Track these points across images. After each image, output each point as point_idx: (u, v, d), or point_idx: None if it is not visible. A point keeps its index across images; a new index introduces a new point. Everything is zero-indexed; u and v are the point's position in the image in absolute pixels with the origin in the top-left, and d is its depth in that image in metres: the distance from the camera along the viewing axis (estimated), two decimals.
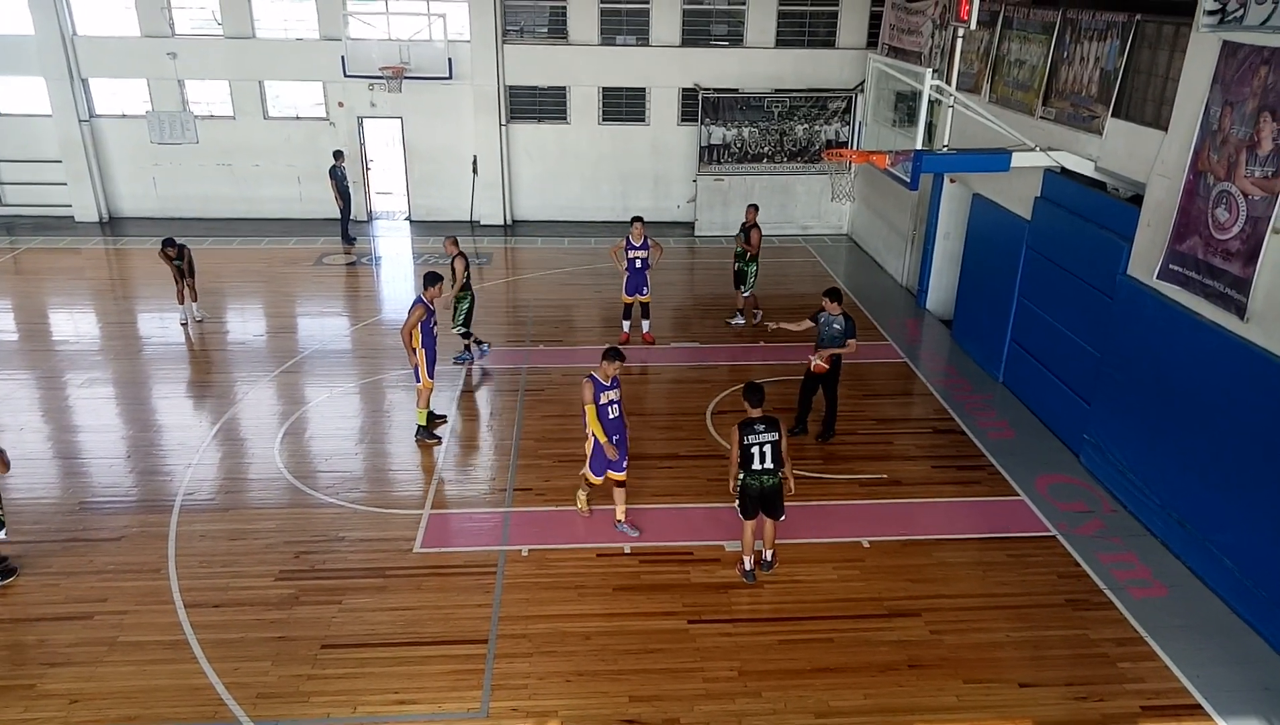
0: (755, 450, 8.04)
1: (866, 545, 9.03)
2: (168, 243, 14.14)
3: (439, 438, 10.96)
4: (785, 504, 8.42)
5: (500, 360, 13.35)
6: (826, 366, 10.57)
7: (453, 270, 12.48)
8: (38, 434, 11.12)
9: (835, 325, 10.49)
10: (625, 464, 8.92)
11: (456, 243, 12.83)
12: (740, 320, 14.77)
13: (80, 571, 8.47)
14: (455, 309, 12.68)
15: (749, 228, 14.18)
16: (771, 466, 8.11)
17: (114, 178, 20.31)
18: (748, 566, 8.56)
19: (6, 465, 7.89)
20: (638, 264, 13.46)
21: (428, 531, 9.19)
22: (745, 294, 14.51)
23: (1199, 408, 8.51)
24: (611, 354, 8.65)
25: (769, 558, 8.62)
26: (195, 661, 7.36)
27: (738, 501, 8.35)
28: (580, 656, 7.51)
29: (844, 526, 9.30)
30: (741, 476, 8.17)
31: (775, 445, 8.08)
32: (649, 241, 13.46)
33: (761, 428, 8.05)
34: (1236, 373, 8.00)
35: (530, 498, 9.82)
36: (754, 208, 14.49)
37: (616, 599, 8.21)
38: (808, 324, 10.83)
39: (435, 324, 10.70)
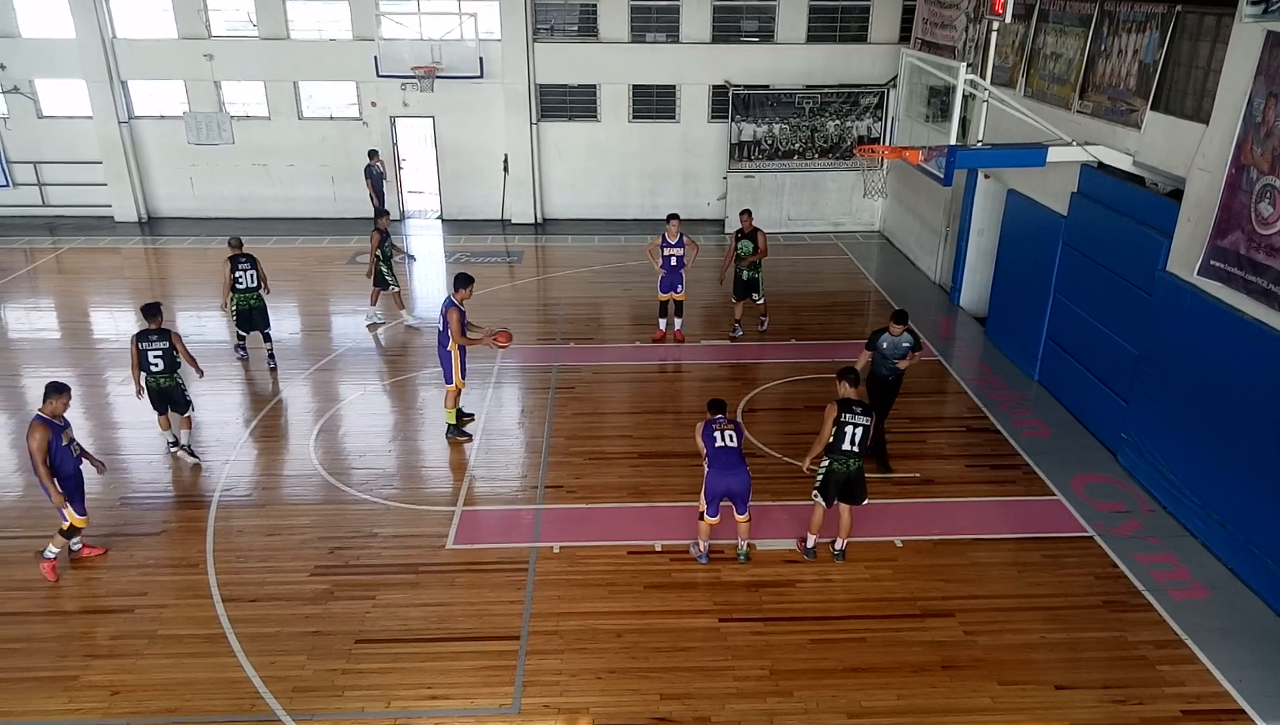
0: (849, 430, 8.13)
1: (899, 545, 8.96)
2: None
3: (469, 435, 11.03)
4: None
5: (531, 358, 13.41)
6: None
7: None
8: (79, 431, 11.23)
9: (904, 344, 9.81)
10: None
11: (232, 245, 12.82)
12: (741, 332, 14.09)
13: (121, 565, 8.64)
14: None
15: (750, 233, 13.51)
16: (857, 450, 8.21)
17: (152, 178, 20.64)
18: (810, 543, 8.68)
19: None
20: (673, 261, 13.41)
21: (460, 528, 9.26)
22: (759, 300, 13.90)
23: (1240, 406, 8.34)
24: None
25: (842, 547, 8.67)
26: (233, 655, 7.48)
27: (819, 488, 8.44)
28: (611, 654, 7.53)
29: (877, 526, 9.22)
30: (827, 461, 8.27)
31: (867, 430, 8.17)
32: (685, 239, 13.41)
33: (859, 409, 8.16)
34: (1279, 369, 7.85)
35: (561, 495, 9.85)
36: (748, 213, 13.83)
37: (648, 597, 8.22)
38: (866, 356, 9.92)
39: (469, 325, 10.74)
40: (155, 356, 10.07)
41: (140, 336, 10.12)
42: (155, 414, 10.53)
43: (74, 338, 14.37)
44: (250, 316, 12.69)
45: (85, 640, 7.67)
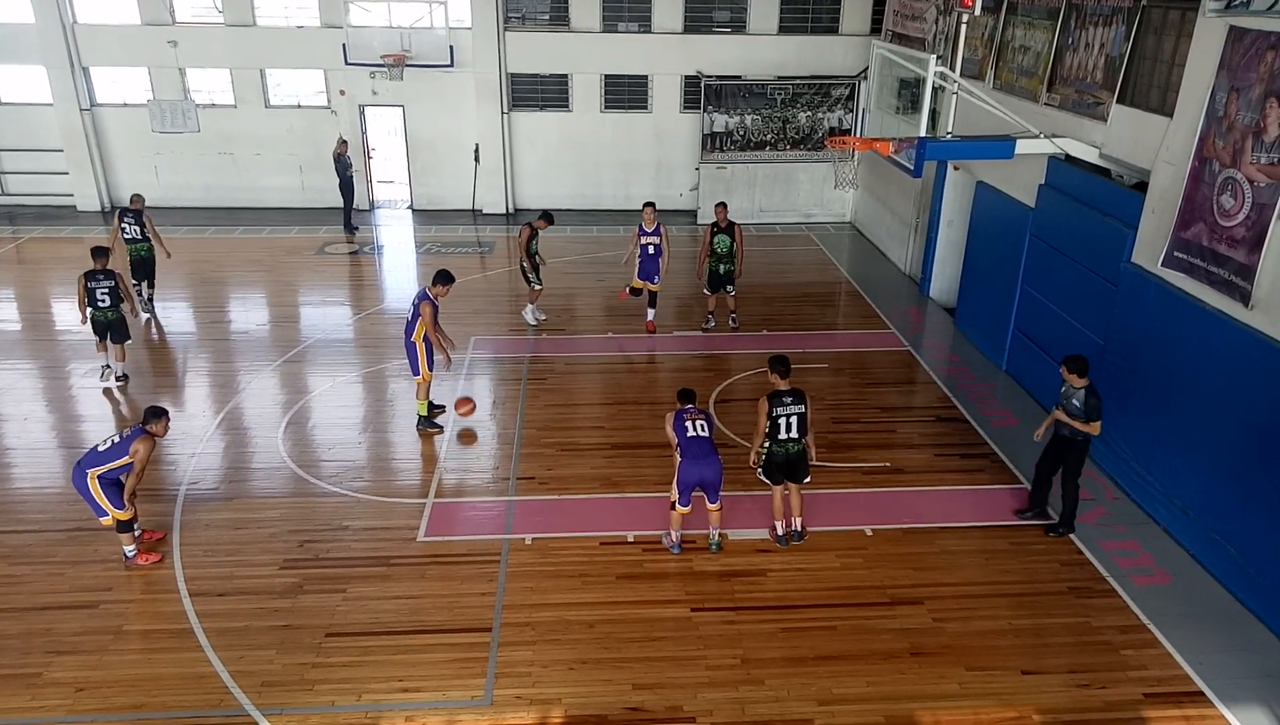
0: (783, 421, 8.32)
1: (869, 533, 9.03)
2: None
3: (440, 427, 10.97)
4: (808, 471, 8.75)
5: (503, 349, 13.35)
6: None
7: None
8: (41, 424, 11.14)
9: (1075, 401, 8.54)
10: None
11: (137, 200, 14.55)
12: (714, 323, 14.08)
13: (85, 560, 8.50)
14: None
15: (726, 227, 13.36)
16: (796, 436, 8.40)
17: (115, 167, 20.28)
18: (780, 532, 8.81)
19: None
20: (650, 250, 13.35)
21: (431, 520, 9.21)
22: (733, 293, 13.84)
23: (1202, 395, 8.49)
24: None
25: (799, 527, 8.83)
26: (200, 650, 7.39)
27: (762, 469, 8.69)
28: (584, 644, 7.53)
29: (847, 515, 9.30)
30: (768, 445, 8.46)
31: (801, 417, 8.37)
32: (661, 228, 13.36)
33: (790, 400, 8.32)
34: (1240, 360, 7.98)
35: (533, 486, 9.83)
36: (724, 206, 13.76)
37: (620, 587, 8.23)
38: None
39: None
40: (103, 293, 11.58)
41: (89, 276, 11.55)
42: (102, 354, 12.01)
43: (35, 329, 14.10)
44: (140, 266, 14.14)
45: (48, 636, 7.54)
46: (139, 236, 14.07)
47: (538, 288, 13.97)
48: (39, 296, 15.48)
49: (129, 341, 12.01)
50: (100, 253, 11.75)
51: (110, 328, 11.78)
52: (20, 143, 19.86)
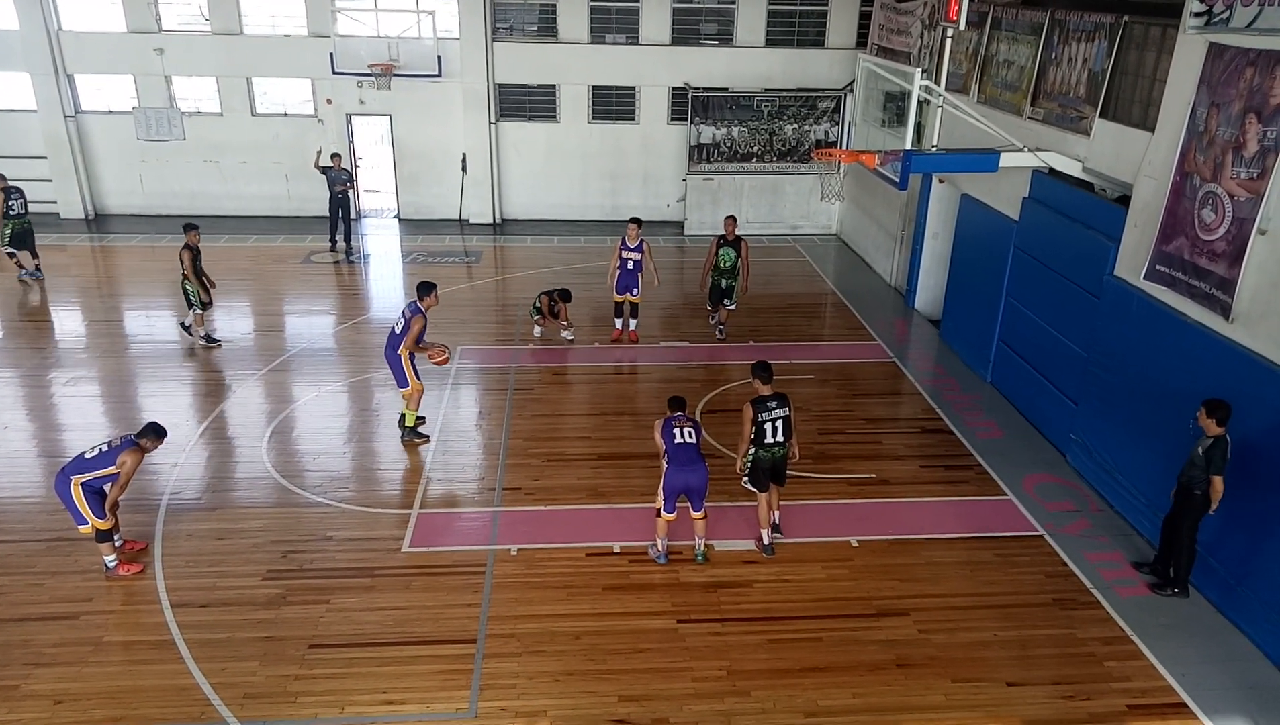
0: (768, 426, 8.39)
1: (855, 545, 9.04)
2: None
3: (426, 437, 10.92)
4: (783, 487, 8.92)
5: (489, 359, 13.32)
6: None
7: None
8: (22, 433, 11.03)
9: (1200, 448, 7.78)
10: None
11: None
12: (724, 331, 14.13)
13: (65, 571, 8.40)
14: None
15: (733, 241, 13.40)
16: (782, 439, 8.49)
17: (100, 174, 20.16)
18: (766, 540, 8.83)
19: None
20: (629, 265, 13.41)
21: (416, 531, 9.16)
22: (731, 307, 13.89)
23: (1184, 408, 8.52)
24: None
25: (775, 520, 8.95)
26: (182, 662, 7.32)
27: (748, 477, 8.73)
28: (569, 656, 7.50)
29: (833, 526, 9.31)
30: (754, 451, 8.51)
31: (786, 420, 8.46)
32: (644, 245, 13.41)
33: (774, 404, 8.41)
34: (1221, 373, 8.05)
35: (519, 497, 9.80)
36: (733, 219, 13.75)
37: (605, 598, 8.20)
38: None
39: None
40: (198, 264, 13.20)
41: (187, 247, 13.08)
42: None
43: (17, 337, 13.96)
44: (23, 237, 15.93)
45: (27, 648, 7.44)
46: (24, 212, 15.86)
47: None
48: (21, 304, 15.33)
49: (199, 309, 13.19)
50: (191, 227, 13.16)
51: (197, 303, 13.16)
52: (3, 150, 19.63)
